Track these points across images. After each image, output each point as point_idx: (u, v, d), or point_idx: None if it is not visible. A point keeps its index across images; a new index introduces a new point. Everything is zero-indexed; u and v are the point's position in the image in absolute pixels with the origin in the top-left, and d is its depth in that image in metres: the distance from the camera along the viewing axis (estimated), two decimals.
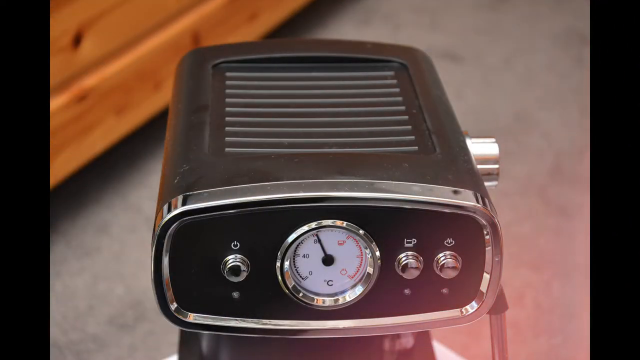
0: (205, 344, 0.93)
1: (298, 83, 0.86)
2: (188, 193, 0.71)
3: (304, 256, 0.73)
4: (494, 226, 0.72)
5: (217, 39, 1.74)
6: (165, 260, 0.72)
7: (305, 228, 0.71)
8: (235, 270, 0.71)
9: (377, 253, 0.72)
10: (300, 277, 0.73)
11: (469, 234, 0.72)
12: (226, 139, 0.77)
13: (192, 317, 0.74)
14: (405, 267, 0.72)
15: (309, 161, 0.74)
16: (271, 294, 0.73)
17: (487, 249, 0.73)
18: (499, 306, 0.79)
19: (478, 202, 0.72)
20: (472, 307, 0.75)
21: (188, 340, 0.98)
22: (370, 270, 0.73)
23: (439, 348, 1.06)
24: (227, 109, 0.82)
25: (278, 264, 0.72)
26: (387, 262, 0.73)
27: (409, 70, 0.88)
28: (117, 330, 1.37)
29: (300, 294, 0.73)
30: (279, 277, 0.72)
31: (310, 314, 0.74)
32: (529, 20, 2.21)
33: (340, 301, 0.74)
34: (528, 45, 2.12)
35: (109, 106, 1.54)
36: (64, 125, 1.45)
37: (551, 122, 1.85)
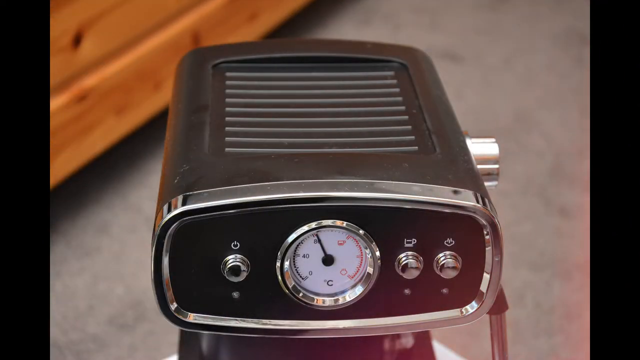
0: (205, 344, 0.93)
1: (298, 83, 0.86)
2: (188, 193, 0.71)
3: (304, 256, 0.73)
4: (494, 226, 0.72)
5: (217, 39, 1.74)
6: (165, 260, 0.71)
7: (305, 228, 0.71)
8: (235, 270, 0.71)
9: (377, 253, 0.72)
10: (300, 277, 0.73)
11: (469, 234, 0.72)
12: (226, 139, 0.77)
13: (192, 317, 0.74)
14: (405, 267, 0.72)
15: (309, 161, 0.74)
16: (271, 294, 0.73)
17: (487, 249, 0.73)
18: (499, 306, 0.79)
19: (478, 202, 0.72)
20: (472, 307, 0.75)
21: (188, 340, 0.98)
22: (370, 270, 0.73)
23: (439, 348, 1.06)
24: (227, 109, 0.82)
25: (278, 264, 0.72)
26: (387, 262, 0.73)
27: (409, 70, 0.88)
28: (117, 330, 1.37)
29: (300, 294, 0.73)
30: (279, 277, 0.72)
31: (310, 314, 0.74)
32: (529, 20, 2.21)
33: (340, 301, 0.74)
34: (528, 45, 2.12)
35: (109, 106, 1.54)
36: (64, 125, 1.45)
37: (551, 122, 1.85)
